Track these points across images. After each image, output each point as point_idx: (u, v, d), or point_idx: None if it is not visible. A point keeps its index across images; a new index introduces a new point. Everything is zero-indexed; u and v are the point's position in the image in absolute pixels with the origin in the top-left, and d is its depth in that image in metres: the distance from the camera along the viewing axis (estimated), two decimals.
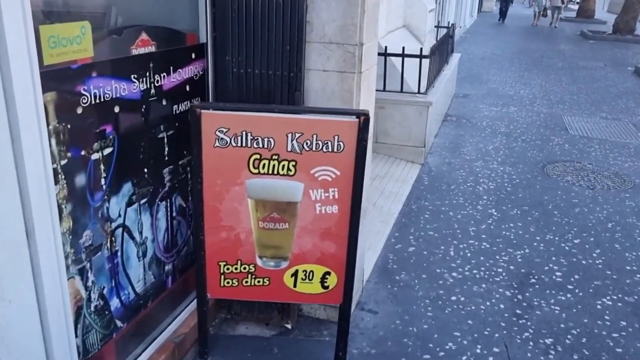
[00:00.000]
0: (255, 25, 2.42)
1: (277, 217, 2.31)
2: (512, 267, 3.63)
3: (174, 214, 2.50)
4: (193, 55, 2.49)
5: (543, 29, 20.56)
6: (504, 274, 3.55)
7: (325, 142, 2.18)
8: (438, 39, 7.81)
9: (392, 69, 5.35)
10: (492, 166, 5.54)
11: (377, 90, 5.59)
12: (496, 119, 7.42)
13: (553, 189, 5.01)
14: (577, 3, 30.42)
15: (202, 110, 2.15)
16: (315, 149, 2.19)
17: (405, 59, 5.27)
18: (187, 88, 2.47)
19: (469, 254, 3.78)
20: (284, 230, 2.33)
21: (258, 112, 2.20)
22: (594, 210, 4.60)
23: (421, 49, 5.25)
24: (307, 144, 2.19)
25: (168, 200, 2.43)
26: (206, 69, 2.57)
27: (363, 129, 2.15)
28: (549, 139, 6.63)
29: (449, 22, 9.35)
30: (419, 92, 5.39)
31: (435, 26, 8.43)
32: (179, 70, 2.38)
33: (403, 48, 5.27)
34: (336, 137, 2.17)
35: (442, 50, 6.52)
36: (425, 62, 5.35)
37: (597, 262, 3.76)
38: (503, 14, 22.60)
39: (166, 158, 2.37)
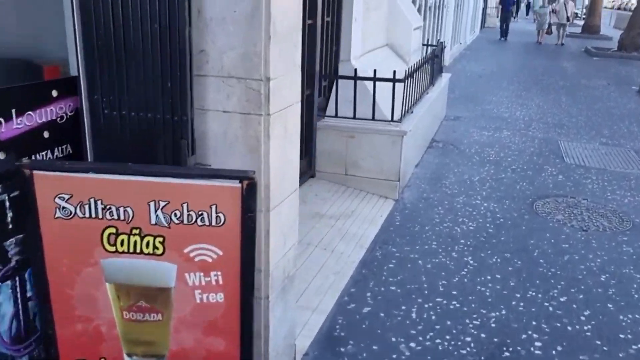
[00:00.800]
0: (127, 55, 1.90)
1: (145, 306, 1.76)
2: (483, 335, 3.06)
3: (27, 296, 1.96)
4: (55, 93, 1.96)
5: (547, 46, 19.90)
6: (472, 345, 2.98)
7: (200, 213, 1.65)
8: (437, 54, 7.28)
9: (365, 94, 4.83)
10: (475, 202, 4.98)
11: (346, 118, 5.11)
12: (486, 145, 6.86)
13: (541, 231, 4.44)
14: (583, 18, 29.94)
15: (35, 171, 1.63)
16: (188, 221, 1.65)
17: (380, 83, 4.75)
18: (47, 135, 1.94)
19: (433, 317, 3.22)
20: (157, 322, 1.79)
21: (110, 173, 1.66)
22: (586, 257, 4.02)
23: (394, 72, 4.72)
24: (175, 215, 1.65)
25: (16, 279, 1.90)
26: (81, 110, 2.05)
27: (247, 197, 1.61)
28: (542, 168, 6.06)
29: (438, 40, 8.83)
30: (392, 120, 4.85)
31: (423, 44, 7.90)
32: (29, 112, 1.86)
33: (375, 71, 4.74)
34: (213, 207, 1.63)
35: (423, 71, 5.98)
36: (400, 87, 4.82)
37: (585, 327, 3.18)
38: (504, 31, 21.78)
39: (10, 226, 1.84)
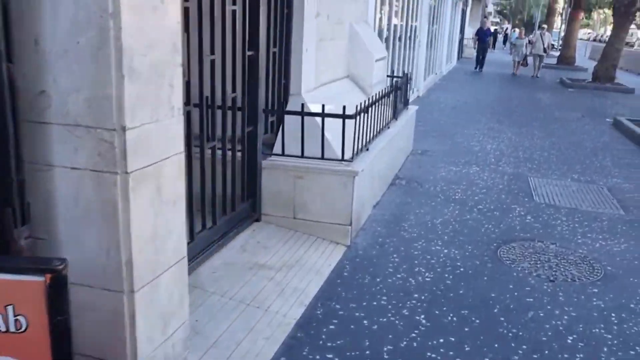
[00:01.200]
0: None
1: None
2: None
3: None
4: None
5: (523, 77, 19.88)
6: None
7: None
8: (399, 87, 6.96)
9: (314, 130, 4.43)
10: (435, 248, 4.57)
11: (294, 157, 4.71)
12: (453, 182, 6.49)
13: (504, 282, 4.04)
14: (559, 50, 30.23)
15: None
16: None
17: (334, 119, 4.37)
18: None
19: None
20: None
21: None
22: (552, 314, 3.61)
23: (344, 107, 4.34)
24: None
25: None
26: None
27: (55, 294, 1.18)
28: (510, 208, 5.70)
29: (404, 71, 8.54)
30: (342, 159, 4.45)
31: (388, 76, 7.58)
32: None
33: (322, 106, 4.36)
34: (10, 309, 1.19)
35: (384, 104, 5.63)
36: (352, 123, 4.44)
37: None
38: (480, 62, 21.59)
39: None
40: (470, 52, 31.10)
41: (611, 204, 6.02)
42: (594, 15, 76.96)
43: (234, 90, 3.97)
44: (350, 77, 6.54)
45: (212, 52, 3.60)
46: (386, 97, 5.75)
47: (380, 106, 5.43)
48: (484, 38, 21.04)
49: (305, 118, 4.44)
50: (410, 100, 12.62)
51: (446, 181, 6.52)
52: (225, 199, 4.07)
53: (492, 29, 58.67)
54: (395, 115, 6.39)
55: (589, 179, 6.97)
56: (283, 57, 4.80)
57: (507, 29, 70.79)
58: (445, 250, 4.52)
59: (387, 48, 9.66)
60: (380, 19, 9.05)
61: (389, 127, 6.02)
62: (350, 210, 4.45)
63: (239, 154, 4.23)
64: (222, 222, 4.05)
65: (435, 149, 8.15)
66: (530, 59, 20.68)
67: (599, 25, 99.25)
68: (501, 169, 7.25)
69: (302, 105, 4.45)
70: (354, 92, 6.30)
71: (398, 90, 6.41)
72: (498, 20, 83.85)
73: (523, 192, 6.26)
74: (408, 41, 11.61)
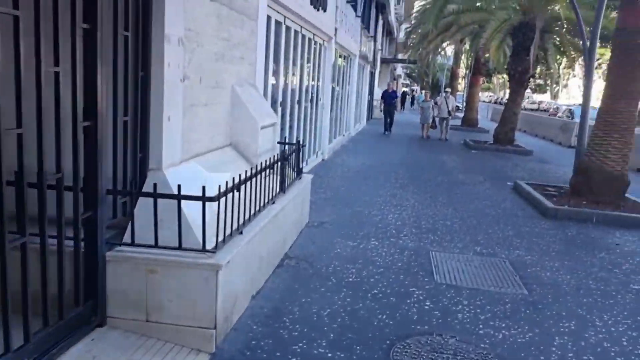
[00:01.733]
0: None
1: None
2: None
3: None
4: None
5: (431, 140, 20.07)
6: None
7: None
8: (286, 157, 6.36)
9: (171, 215, 3.68)
10: (317, 351, 3.86)
11: (146, 246, 3.92)
12: (348, 261, 5.89)
13: None
14: (462, 111, 31.46)
15: None
16: None
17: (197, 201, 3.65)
18: None
19: None
20: None
21: None
22: None
23: (204, 188, 3.64)
24: None
25: None
26: None
27: None
28: (408, 292, 5.13)
29: (296, 138, 8.03)
30: (204, 250, 3.71)
31: (279, 142, 7.02)
32: None
33: (179, 186, 3.64)
34: None
35: (266, 177, 4.99)
36: (217, 205, 3.74)
37: None
38: (387, 125, 21.40)
39: None
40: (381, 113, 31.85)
41: (514, 281, 5.61)
42: (494, 79, 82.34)
43: (58, 169, 3.17)
44: (234, 146, 5.90)
45: (19, 125, 2.81)
46: (270, 168, 5.13)
47: (262, 179, 4.79)
48: (389, 100, 21.16)
49: (162, 200, 3.69)
50: (314, 165, 12.29)
51: (341, 260, 5.91)
52: (47, 305, 3.19)
53: (403, 90, 61.22)
54: (283, 188, 5.76)
55: (491, 252, 6.61)
56: (139, 127, 4.06)
57: (414, 91, 74.16)
58: (329, 354, 3.82)
59: (284, 111, 9.18)
60: (275, 81, 8.58)
61: (274, 202, 5.36)
62: (215, 311, 3.68)
63: (79, 244, 3.39)
64: (43, 336, 3.16)
65: (334, 219, 7.58)
66: (437, 120, 20.93)
67: (499, 88, 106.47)
68: (402, 242, 6.76)
69: (155, 184, 3.70)
70: (236, 163, 5.64)
71: (287, 160, 5.82)
72: (408, 82, 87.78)
73: (423, 271, 5.74)
74: (309, 103, 11.24)
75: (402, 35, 42.77)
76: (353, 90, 19.64)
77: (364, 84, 24.62)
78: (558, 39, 18.08)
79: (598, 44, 11.45)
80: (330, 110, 14.58)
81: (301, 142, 6.87)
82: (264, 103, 6.57)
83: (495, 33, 16.22)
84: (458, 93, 39.15)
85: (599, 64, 53.26)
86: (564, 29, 17.53)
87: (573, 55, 19.55)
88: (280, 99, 8.72)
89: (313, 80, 11.72)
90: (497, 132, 18.95)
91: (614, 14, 17.21)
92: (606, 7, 12.21)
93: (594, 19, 10.80)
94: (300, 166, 6.81)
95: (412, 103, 49.78)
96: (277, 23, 8.15)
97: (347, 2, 14.94)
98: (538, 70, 23.90)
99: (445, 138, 20.23)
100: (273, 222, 5.12)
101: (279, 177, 5.67)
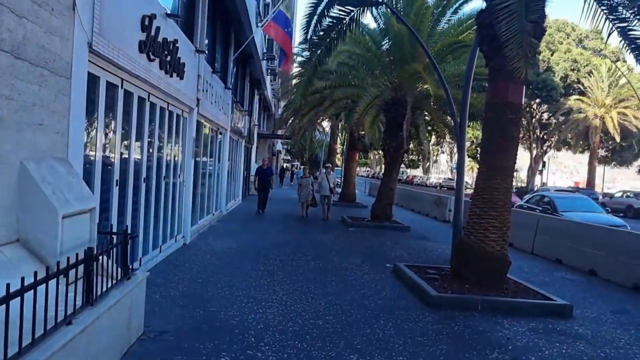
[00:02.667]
0: None
1: None
2: None
3: None
4: None
5: (311, 218, 18.82)
6: None
7: None
8: (97, 255, 4.82)
9: None
10: None
11: None
12: None
13: None
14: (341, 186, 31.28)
15: None
16: None
17: None
18: None
19: None
20: None
21: None
22: None
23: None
24: None
25: None
26: None
27: None
28: None
29: (126, 226, 6.50)
30: None
31: (101, 232, 5.48)
32: None
33: None
34: None
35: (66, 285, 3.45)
36: None
37: None
38: (262, 203, 19.66)
39: None
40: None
41: None
42: (371, 155, 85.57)
43: None
44: (23, 242, 4.29)
45: None
46: (62, 274, 3.61)
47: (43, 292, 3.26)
48: (263, 177, 19.75)
49: None
50: (172, 251, 10.66)
51: None
52: None
53: (282, 165, 61.12)
54: (90, 300, 4.21)
55: None
56: None
57: (295, 166, 74.65)
58: None
59: (125, 191, 7.63)
60: (113, 154, 7.08)
61: (69, 323, 3.80)
62: None
63: None
64: None
65: (179, 327, 6.03)
66: (319, 199, 19.43)
67: (376, 163, 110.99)
68: (260, 356, 5.35)
69: None
70: (22, 267, 4.04)
71: (96, 260, 4.29)
72: (289, 158, 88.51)
73: None
74: (162, 180, 9.75)
75: (280, 111, 42.83)
76: (224, 166, 18.37)
77: (238, 160, 23.51)
78: (428, 115, 18.30)
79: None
80: (195, 188, 13.14)
81: (130, 232, 5.37)
82: (76, 184, 5.03)
83: (368, 108, 15.96)
84: (337, 168, 39.36)
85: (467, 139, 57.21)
86: (434, 106, 17.77)
87: (444, 131, 19.90)
88: (116, 177, 7.18)
89: (170, 154, 10.31)
90: (374, 208, 18.44)
91: (475, 95, 17.89)
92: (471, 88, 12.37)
93: (462, 94, 10.62)
94: (129, 263, 5.28)
95: (292, 179, 49.54)
96: (111, 85, 6.76)
97: (213, 72, 13.91)
98: (411, 145, 24.28)
99: (327, 217, 18.89)
100: (69, 348, 3.55)
101: (85, 285, 4.13)
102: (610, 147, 51.84)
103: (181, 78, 9.72)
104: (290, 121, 23.81)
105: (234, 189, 22.80)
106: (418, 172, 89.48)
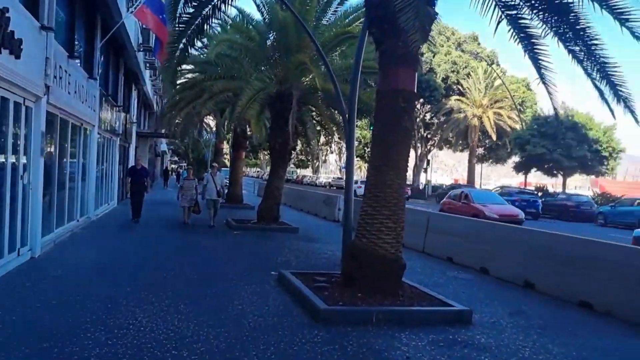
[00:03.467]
0: None
1: None
2: None
3: None
4: None
5: (198, 224, 16.50)
6: None
7: None
8: None
9: None
10: None
11: None
12: None
13: None
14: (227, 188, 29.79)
15: None
16: None
17: None
18: None
19: None
20: None
21: None
22: None
23: None
24: None
25: None
26: None
27: None
28: None
29: None
30: None
31: None
32: None
33: None
34: None
35: None
36: None
37: None
38: (135, 209, 16.72)
39: None
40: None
41: None
42: (261, 155, 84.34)
43: None
44: None
45: None
46: None
47: None
48: (137, 178, 16.73)
49: None
50: (13, 267, 8.80)
51: None
52: None
53: (166, 166, 58.15)
54: None
55: None
56: None
57: (181, 167, 71.56)
58: None
59: None
60: None
61: None
62: None
63: None
64: None
65: None
66: (205, 203, 16.81)
67: (266, 164, 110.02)
68: None
69: None
70: None
71: None
72: (177, 159, 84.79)
73: None
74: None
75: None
76: (92, 166, 16.35)
77: (112, 160, 21.34)
78: (315, 111, 17.47)
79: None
80: (50, 190, 11.26)
81: None
82: None
83: (251, 102, 14.75)
84: (224, 169, 37.68)
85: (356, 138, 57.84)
86: (322, 101, 16.94)
87: (332, 128, 19.18)
88: None
89: (7, 151, 8.49)
90: (260, 210, 17.30)
91: (365, 89, 17.34)
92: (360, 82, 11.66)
93: (350, 87, 9.81)
94: None
95: (178, 179, 47.04)
96: None
97: (71, 57, 12.05)
98: (299, 145, 23.43)
99: (213, 224, 16.48)
100: None
101: None
102: (487, 145, 54.67)
103: (17, 57, 7.96)
104: (168, 117, 21.97)
105: (107, 191, 20.65)
106: (308, 172, 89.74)
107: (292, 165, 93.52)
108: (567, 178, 48.85)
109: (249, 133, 25.70)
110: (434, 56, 50.27)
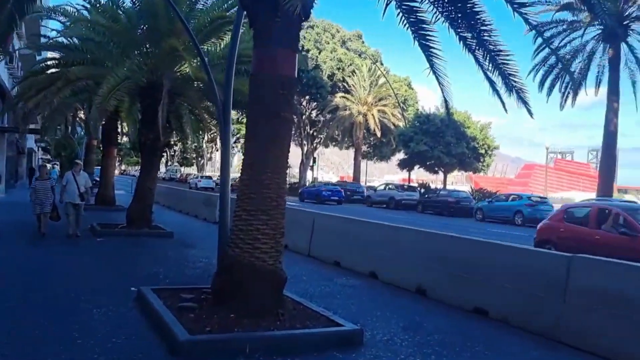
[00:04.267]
0: None
1: None
2: None
3: None
4: None
5: (54, 232, 13.72)
6: None
7: None
8: None
9: None
10: None
11: None
12: None
13: None
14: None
15: None
16: None
17: None
18: None
19: None
20: None
21: None
22: None
23: None
24: None
25: None
26: None
27: None
28: None
29: None
30: None
31: None
32: None
33: None
34: None
35: None
36: None
37: None
38: None
39: None
40: None
41: None
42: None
43: None
44: None
45: None
46: None
47: None
48: None
49: None
50: None
51: None
52: None
53: (31, 165, 53.00)
54: None
55: None
56: None
57: (54, 166, 65.78)
58: None
59: None
60: None
61: None
62: None
63: None
64: None
65: None
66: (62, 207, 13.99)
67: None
68: None
69: None
70: None
71: None
72: (49, 157, 77.96)
73: None
74: None
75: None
76: None
77: None
78: (189, 103, 15.89)
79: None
80: None
81: None
82: None
83: (114, 92, 12.90)
84: (97, 167, 34.51)
85: (238, 139, 56.17)
86: (196, 92, 15.39)
87: (209, 123, 17.71)
88: None
89: None
90: (130, 212, 15.43)
91: (242, 79, 16.05)
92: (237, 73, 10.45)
93: (225, 75, 8.55)
94: None
95: (31, 180, 42.69)
96: None
97: None
98: (178, 141, 21.63)
99: (77, 233, 13.72)
100: None
101: None
102: (372, 143, 55.51)
103: None
104: (20, 107, 19.28)
105: None
106: (193, 170, 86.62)
107: (176, 164, 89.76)
108: (448, 174, 50.76)
109: (124, 129, 23.53)
110: (319, 53, 50.04)
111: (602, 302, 6.20)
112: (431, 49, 8.24)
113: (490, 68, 8.24)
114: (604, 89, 29.76)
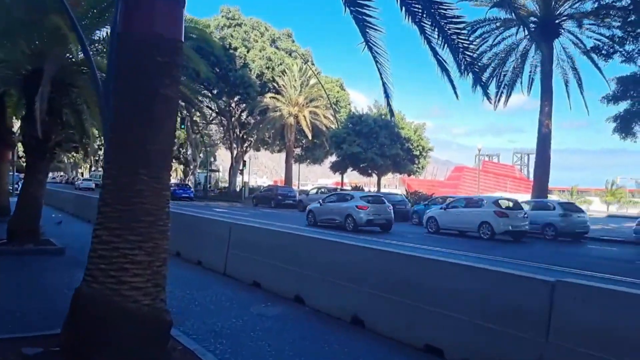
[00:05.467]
0: None
1: None
2: None
3: None
4: None
5: None
6: None
7: None
8: None
9: None
10: None
11: None
12: None
13: None
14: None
15: None
16: None
17: None
18: None
19: None
20: None
21: None
22: None
23: None
24: None
25: None
26: None
27: None
28: None
29: None
30: None
31: None
32: None
33: None
34: None
35: None
36: None
37: None
38: None
39: None
40: None
41: None
42: (64, 157, 74.45)
43: None
44: None
45: None
46: None
47: None
48: None
49: None
50: None
51: None
52: None
53: None
54: None
55: None
56: None
57: None
58: None
59: None
60: None
61: None
62: None
63: None
64: None
65: None
66: None
67: (71, 167, 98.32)
68: None
69: None
70: None
71: None
72: None
73: None
74: None
75: None
76: None
77: None
78: (83, 95, 13.46)
79: None
80: None
81: None
82: None
83: None
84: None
85: None
86: (85, 80, 12.94)
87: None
88: None
89: None
90: (11, 226, 12.83)
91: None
92: None
93: (108, 56, 6.49)
94: None
95: None
96: None
97: None
98: (79, 141, 18.97)
99: None
100: None
101: None
102: (304, 145, 53.80)
103: None
104: None
105: None
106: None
107: (100, 169, 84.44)
108: (382, 177, 49.74)
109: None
110: (248, 51, 47.89)
111: (597, 342, 4.61)
112: (365, 18, 6.53)
113: (439, 42, 6.60)
114: (537, 89, 29.43)
